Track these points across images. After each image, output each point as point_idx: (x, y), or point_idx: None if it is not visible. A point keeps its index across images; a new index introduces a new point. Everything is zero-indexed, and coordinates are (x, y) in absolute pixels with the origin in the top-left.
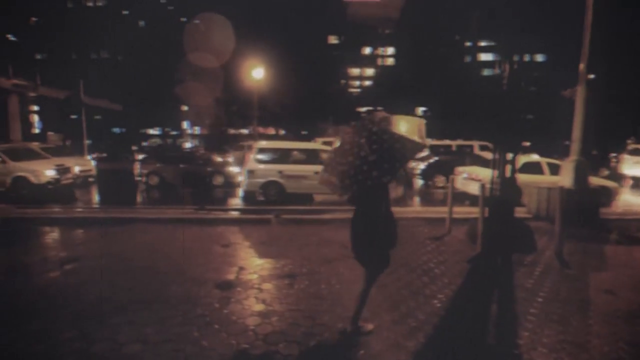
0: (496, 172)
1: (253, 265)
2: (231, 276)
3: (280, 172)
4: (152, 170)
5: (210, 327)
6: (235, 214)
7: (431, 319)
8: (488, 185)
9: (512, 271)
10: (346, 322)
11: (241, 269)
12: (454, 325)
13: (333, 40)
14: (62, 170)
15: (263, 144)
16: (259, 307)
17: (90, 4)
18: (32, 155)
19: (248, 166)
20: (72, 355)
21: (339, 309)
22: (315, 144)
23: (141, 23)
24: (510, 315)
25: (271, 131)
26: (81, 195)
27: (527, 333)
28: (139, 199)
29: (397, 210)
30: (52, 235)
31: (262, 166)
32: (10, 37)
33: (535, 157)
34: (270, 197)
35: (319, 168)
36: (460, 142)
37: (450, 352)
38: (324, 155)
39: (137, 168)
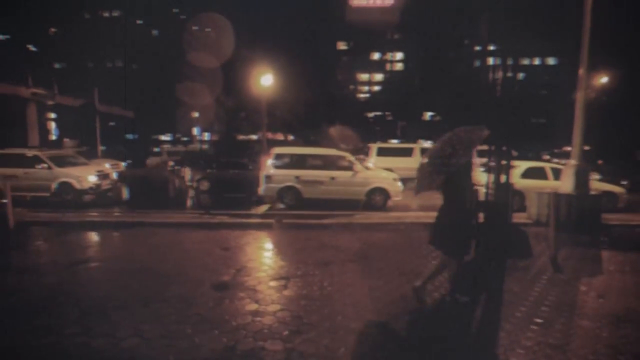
0: (492, 177)
1: (250, 268)
2: (228, 278)
3: (297, 177)
4: (203, 176)
5: (203, 324)
6: (238, 218)
7: (416, 321)
8: (484, 190)
9: (504, 276)
10: (333, 321)
11: (238, 271)
12: (439, 327)
13: (342, 46)
14: (102, 176)
15: (280, 149)
16: (252, 307)
17: (106, 14)
18: (73, 162)
19: (265, 171)
20: (74, 348)
21: (327, 309)
22: (332, 150)
23: (154, 32)
24: (495, 318)
25: (280, 137)
26: (97, 200)
27: (509, 335)
28: (188, 203)
29: (396, 215)
30: (62, 238)
31: (279, 171)
32: (31, 48)
33: (538, 162)
34: (287, 203)
35: (335, 173)
36: (482, 147)
37: (430, 353)
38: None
39: (188, 174)
